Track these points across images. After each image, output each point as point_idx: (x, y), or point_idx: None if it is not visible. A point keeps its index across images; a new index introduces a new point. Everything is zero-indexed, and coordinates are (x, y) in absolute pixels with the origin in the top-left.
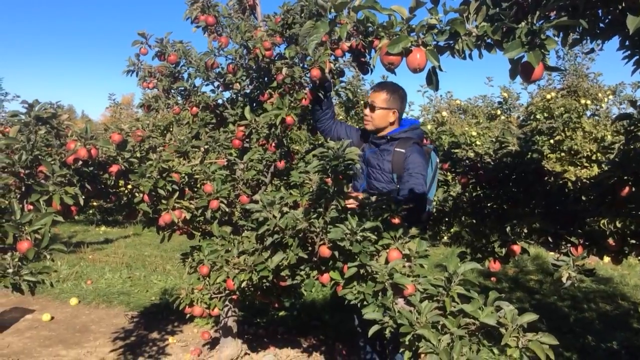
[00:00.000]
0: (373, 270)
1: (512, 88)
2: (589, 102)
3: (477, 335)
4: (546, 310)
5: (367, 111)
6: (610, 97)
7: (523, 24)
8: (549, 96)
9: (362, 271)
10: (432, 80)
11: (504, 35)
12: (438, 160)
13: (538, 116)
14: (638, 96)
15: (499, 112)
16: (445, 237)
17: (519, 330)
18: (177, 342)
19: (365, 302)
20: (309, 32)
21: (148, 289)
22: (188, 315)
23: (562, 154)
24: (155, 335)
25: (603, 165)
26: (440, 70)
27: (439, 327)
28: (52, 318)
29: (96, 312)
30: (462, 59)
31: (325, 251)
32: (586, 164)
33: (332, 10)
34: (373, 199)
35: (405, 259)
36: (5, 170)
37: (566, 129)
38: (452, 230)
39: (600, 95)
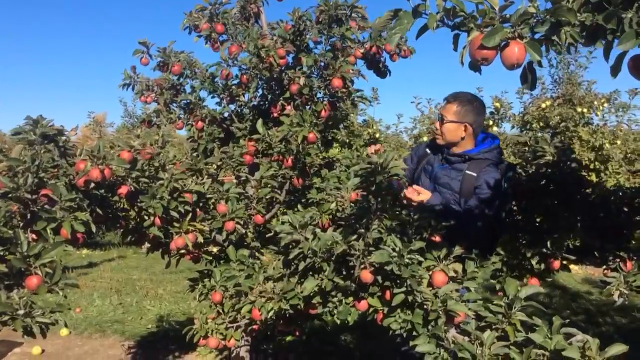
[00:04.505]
0: (422, 297)
1: (504, 98)
2: (585, 110)
3: None
4: None
5: (437, 124)
6: (605, 105)
7: (632, 12)
8: (544, 105)
9: (409, 298)
10: (528, 79)
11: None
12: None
13: (534, 126)
14: (634, 104)
15: (490, 122)
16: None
17: None
18: None
19: (414, 333)
20: (386, 25)
21: (142, 316)
22: (205, 345)
23: None
24: None
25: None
26: (540, 66)
27: None
28: (43, 351)
29: (89, 342)
30: (557, 53)
31: (367, 276)
32: (584, 173)
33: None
34: (416, 216)
35: (451, 282)
36: (9, 195)
37: (563, 138)
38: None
39: (595, 103)
